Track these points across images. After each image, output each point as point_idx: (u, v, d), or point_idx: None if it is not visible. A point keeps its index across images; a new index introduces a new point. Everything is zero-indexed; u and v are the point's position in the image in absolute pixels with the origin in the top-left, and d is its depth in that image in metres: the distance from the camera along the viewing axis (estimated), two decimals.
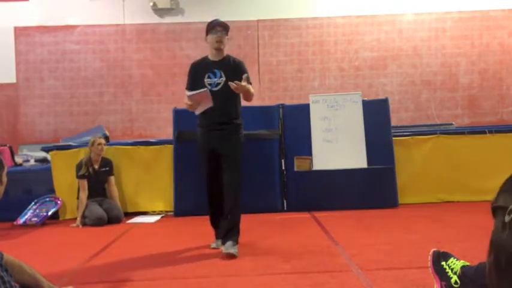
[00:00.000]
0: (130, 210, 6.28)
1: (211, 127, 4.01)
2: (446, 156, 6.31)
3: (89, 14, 9.18)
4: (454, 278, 2.33)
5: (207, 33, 4.06)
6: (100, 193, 5.98)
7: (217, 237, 4.16)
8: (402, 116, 9.03)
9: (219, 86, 3.97)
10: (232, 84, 3.77)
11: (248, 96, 3.95)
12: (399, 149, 6.26)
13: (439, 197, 6.24)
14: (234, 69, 4.01)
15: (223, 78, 3.97)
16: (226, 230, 3.94)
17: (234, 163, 3.98)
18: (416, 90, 9.16)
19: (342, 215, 5.52)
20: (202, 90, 3.83)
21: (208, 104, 3.83)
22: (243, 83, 3.81)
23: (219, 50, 4.03)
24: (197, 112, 3.94)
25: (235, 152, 4.01)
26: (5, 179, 2.27)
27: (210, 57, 4.08)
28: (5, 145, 7.41)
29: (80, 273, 3.41)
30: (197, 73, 4.05)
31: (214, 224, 4.25)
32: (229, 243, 3.80)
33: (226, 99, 3.97)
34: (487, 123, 8.64)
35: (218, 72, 4.00)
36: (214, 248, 4.06)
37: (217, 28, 4.00)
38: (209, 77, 3.99)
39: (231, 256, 3.69)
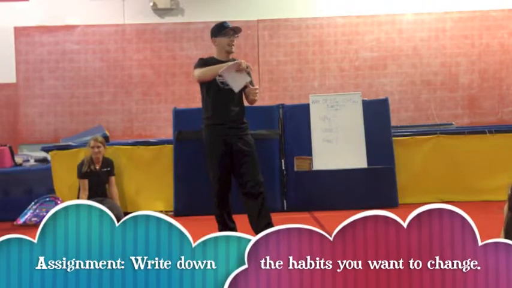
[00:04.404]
0: (130, 210, 6.26)
1: (227, 125, 4.06)
2: (446, 156, 6.31)
3: (89, 14, 9.18)
4: None
5: (216, 35, 4.13)
6: (101, 193, 5.97)
7: None
8: (402, 116, 9.03)
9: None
10: (255, 89, 4.01)
11: (254, 100, 4.14)
12: (399, 149, 6.26)
13: (439, 197, 6.23)
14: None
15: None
16: (262, 228, 3.95)
17: (255, 162, 4.08)
18: (416, 90, 9.16)
19: (342, 215, 5.50)
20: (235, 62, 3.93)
21: (244, 80, 3.95)
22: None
23: (230, 52, 4.15)
24: (237, 90, 3.99)
25: (254, 149, 4.12)
26: None
27: (218, 58, 4.15)
28: (5, 145, 7.40)
29: None
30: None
31: (228, 225, 4.20)
32: None
33: (238, 98, 4.11)
34: (487, 123, 8.63)
35: None
36: None
37: (229, 31, 4.11)
38: (220, 76, 4.02)
39: None
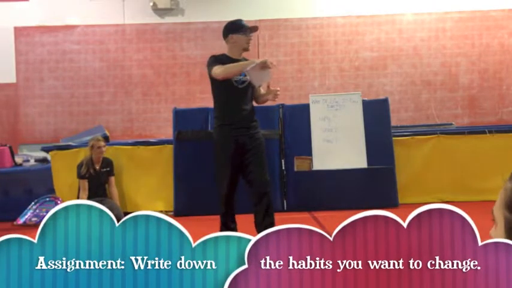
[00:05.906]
0: (130, 210, 6.26)
1: (239, 124, 4.05)
2: (446, 156, 6.31)
3: (89, 14, 9.18)
4: None
5: (232, 32, 4.10)
6: (100, 193, 5.98)
7: None
8: (402, 116, 9.03)
9: (244, 84, 4.03)
10: (276, 90, 4.10)
11: (267, 100, 4.24)
12: (399, 149, 6.26)
13: (439, 197, 6.23)
14: None
15: (248, 77, 4.02)
16: (265, 227, 3.95)
17: (262, 161, 4.12)
18: (416, 90, 9.16)
19: (342, 215, 5.49)
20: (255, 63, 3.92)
21: (267, 77, 3.98)
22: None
23: (247, 50, 4.14)
24: (258, 85, 4.04)
25: (263, 148, 4.17)
26: None
27: (231, 56, 4.12)
28: (5, 145, 7.41)
29: None
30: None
31: (228, 225, 4.21)
32: None
33: (250, 98, 4.13)
34: (487, 123, 8.63)
35: None
36: None
37: (247, 30, 4.11)
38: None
39: None
